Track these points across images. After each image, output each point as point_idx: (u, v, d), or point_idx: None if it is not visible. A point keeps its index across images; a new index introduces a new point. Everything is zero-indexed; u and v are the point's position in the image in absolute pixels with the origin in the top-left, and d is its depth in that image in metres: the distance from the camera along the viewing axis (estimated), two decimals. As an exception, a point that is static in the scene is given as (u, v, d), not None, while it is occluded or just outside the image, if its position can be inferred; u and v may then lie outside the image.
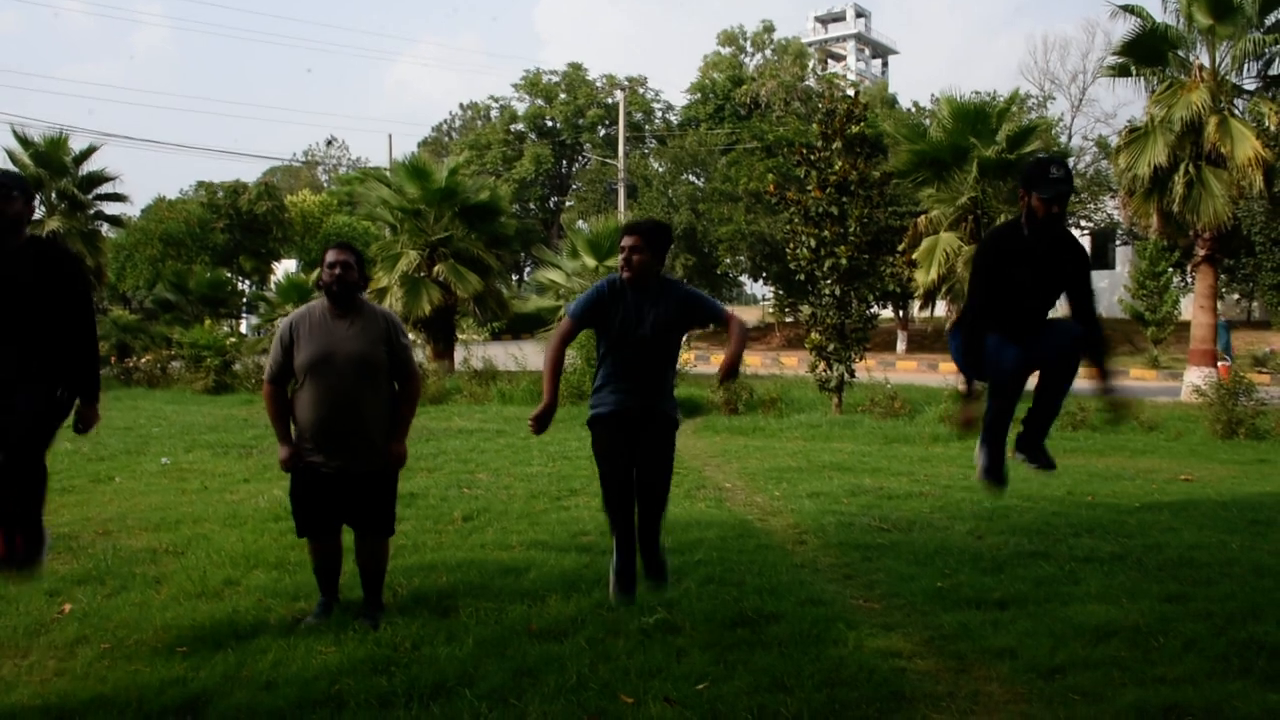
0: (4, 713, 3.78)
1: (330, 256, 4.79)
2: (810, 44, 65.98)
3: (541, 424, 4.54)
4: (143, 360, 21.48)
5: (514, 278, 41.60)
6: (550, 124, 61.03)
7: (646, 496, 4.69)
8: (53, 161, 26.20)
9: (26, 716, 3.73)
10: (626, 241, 4.57)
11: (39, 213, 26.39)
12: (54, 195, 26.30)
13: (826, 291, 15.34)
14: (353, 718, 3.73)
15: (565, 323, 4.69)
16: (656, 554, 4.80)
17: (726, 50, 58.69)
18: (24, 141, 26.09)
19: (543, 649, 4.41)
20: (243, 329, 30.11)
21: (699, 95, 56.97)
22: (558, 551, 6.19)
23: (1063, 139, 36.36)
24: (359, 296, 4.87)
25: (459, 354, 21.47)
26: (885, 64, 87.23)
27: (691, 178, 44.37)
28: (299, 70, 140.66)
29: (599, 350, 4.76)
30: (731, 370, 4.65)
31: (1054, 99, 41.46)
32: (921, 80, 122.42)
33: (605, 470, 4.73)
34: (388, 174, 26.46)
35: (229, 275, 40.35)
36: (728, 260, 40.08)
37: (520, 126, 61.82)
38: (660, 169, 45.82)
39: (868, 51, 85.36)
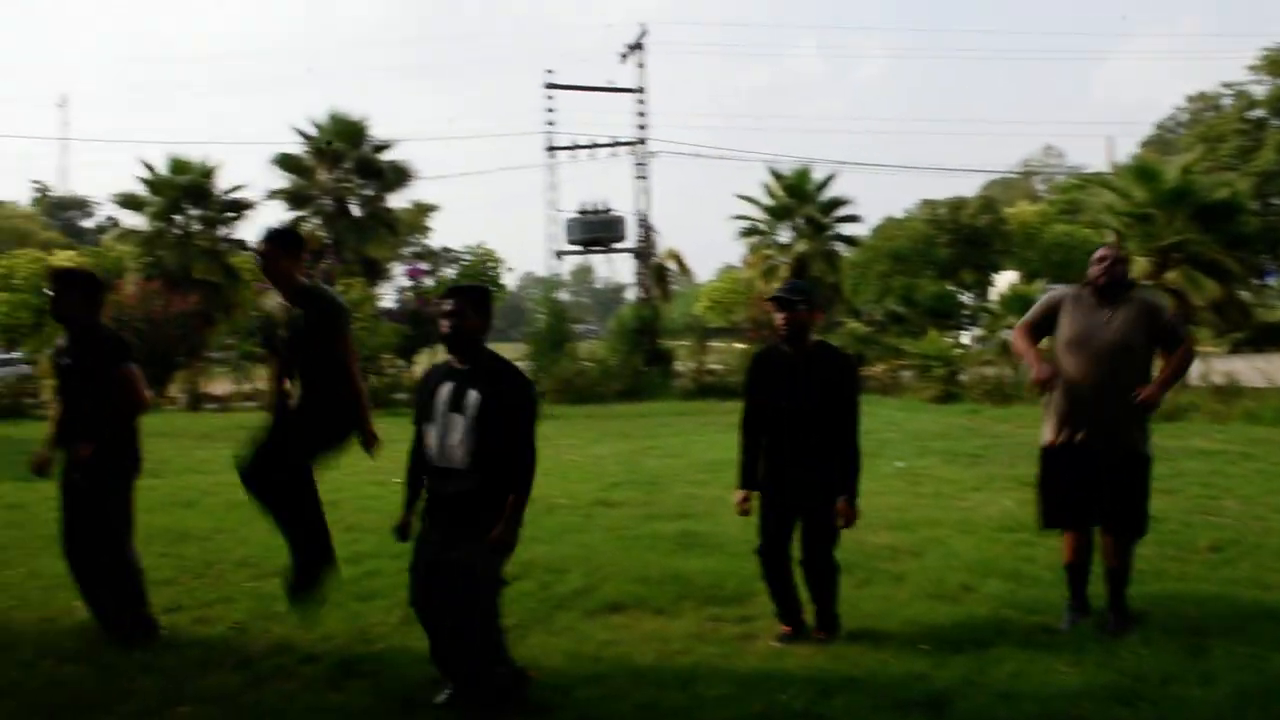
0: (777, 674, 4.30)
1: (1100, 253, 5.02)
2: None
3: None
4: (876, 369, 22.87)
5: (1257, 282, 36.76)
6: (1299, 106, 52.90)
7: None
8: (798, 191, 29.24)
9: (793, 683, 4.20)
10: None
11: (788, 236, 29.62)
12: (801, 221, 29.29)
13: None
14: (1095, 743, 3.61)
15: None
16: None
17: None
18: (776, 176, 29.48)
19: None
20: (966, 340, 30.69)
21: None
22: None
23: None
24: (1126, 290, 4.96)
25: (1196, 368, 19.60)
26: None
27: None
28: (1012, 83, 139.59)
29: None
30: None
31: None
32: None
33: None
34: (1109, 178, 25.11)
35: (952, 289, 41.34)
36: None
37: (1260, 113, 54.51)
38: None
39: None
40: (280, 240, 4.58)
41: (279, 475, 4.56)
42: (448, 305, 3.93)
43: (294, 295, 4.52)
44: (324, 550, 4.70)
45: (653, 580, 5.74)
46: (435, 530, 3.97)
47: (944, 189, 57.63)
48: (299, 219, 30.43)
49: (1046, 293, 5.44)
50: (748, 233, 30.94)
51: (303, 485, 4.61)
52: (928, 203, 48.90)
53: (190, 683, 4.26)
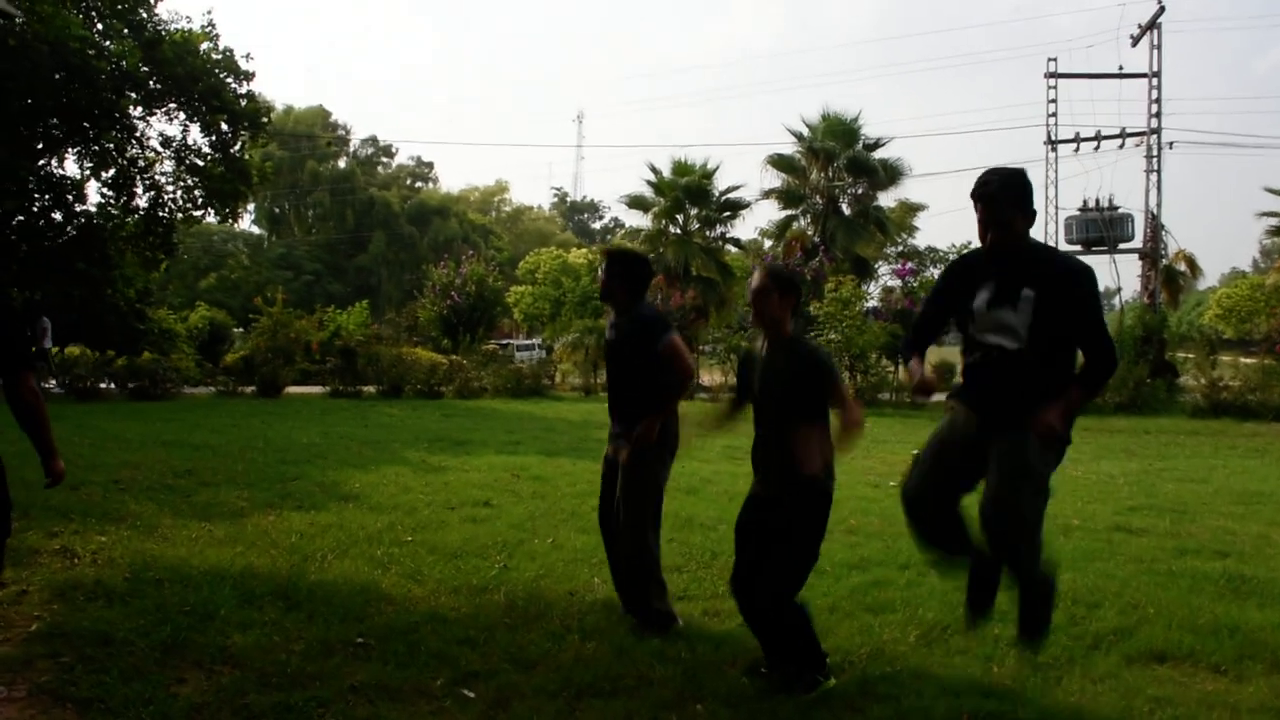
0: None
1: None
2: None
3: None
4: None
5: None
6: None
7: None
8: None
9: None
10: None
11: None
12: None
13: None
14: None
15: None
16: None
17: None
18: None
19: None
20: None
21: None
22: None
23: None
24: None
25: None
26: None
27: None
28: None
29: None
30: None
31: None
32: None
33: None
34: None
35: None
36: None
37: None
38: None
39: None
40: (778, 280, 4.37)
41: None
42: (991, 214, 3.83)
43: (779, 342, 4.33)
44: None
45: (1203, 630, 4.94)
46: (972, 425, 3.92)
47: None
48: (790, 217, 31.14)
49: None
50: (1278, 231, 27.17)
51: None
52: None
53: (704, 679, 4.23)
